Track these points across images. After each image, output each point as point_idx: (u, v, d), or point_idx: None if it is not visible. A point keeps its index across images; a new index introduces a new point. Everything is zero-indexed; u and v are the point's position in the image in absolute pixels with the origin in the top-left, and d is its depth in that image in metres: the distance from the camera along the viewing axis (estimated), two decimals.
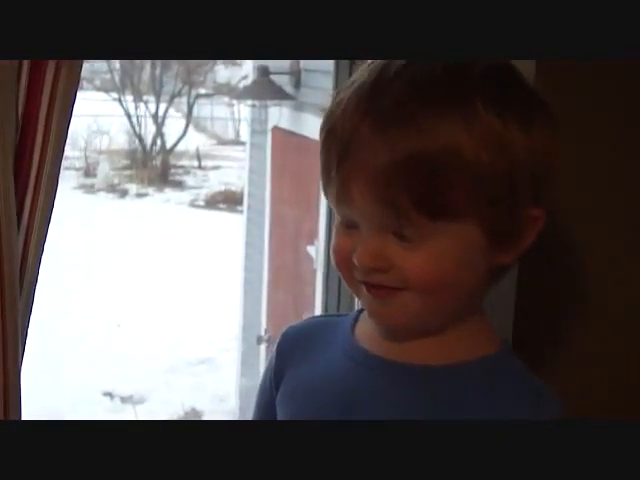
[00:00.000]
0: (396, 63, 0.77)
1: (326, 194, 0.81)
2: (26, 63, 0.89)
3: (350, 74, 0.84)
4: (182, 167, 11.83)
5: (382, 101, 0.74)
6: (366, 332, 0.86)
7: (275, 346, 0.94)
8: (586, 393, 1.07)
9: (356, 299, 0.88)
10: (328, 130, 0.78)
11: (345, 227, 0.80)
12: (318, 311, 1.56)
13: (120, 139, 11.67)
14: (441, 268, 0.76)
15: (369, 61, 0.80)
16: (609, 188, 1.10)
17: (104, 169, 11.24)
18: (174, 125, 11.38)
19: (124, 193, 10.68)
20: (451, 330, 0.82)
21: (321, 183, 0.81)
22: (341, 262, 0.81)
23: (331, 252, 0.82)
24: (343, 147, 0.76)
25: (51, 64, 0.89)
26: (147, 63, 11.15)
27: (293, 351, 0.91)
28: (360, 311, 0.89)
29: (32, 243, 0.94)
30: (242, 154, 5.96)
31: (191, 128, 11.91)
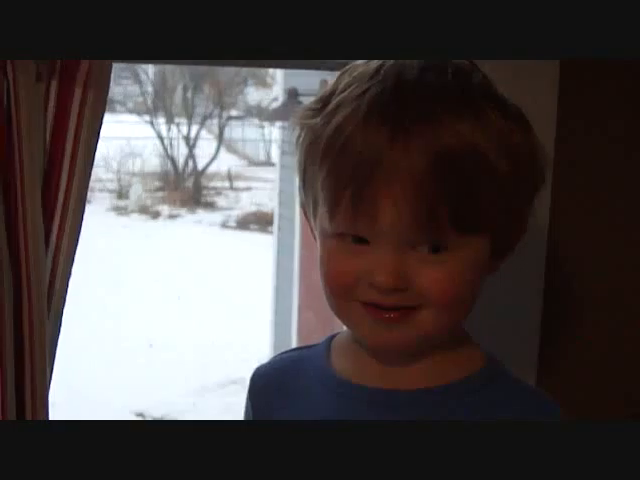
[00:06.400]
0: (407, 72, 0.75)
1: (333, 212, 0.75)
2: (54, 85, 0.90)
3: None
4: (214, 188, 11.87)
5: (404, 109, 0.72)
6: (345, 362, 0.83)
7: (247, 390, 0.91)
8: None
9: None
10: (341, 147, 0.74)
11: (349, 246, 0.76)
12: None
13: (152, 161, 11.74)
14: (461, 281, 0.75)
15: (349, 75, 0.78)
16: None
17: (137, 191, 11.32)
18: (206, 147, 11.44)
19: (156, 214, 10.73)
20: (437, 350, 0.79)
21: (324, 202, 0.76)
22: (343, 286, 0.76)
23: (329, 276, 0.77)
24: (369, 162, 0.72)
25: (78, 87, 0.90)
26: (179, 86, 11.25)
27: (266, 394, 0.89)
28: (330, 340, 0.86)
29: (60, 264, 0.95)
30: (273, 175, 5.98)
31: (222, 150, 11.97)
